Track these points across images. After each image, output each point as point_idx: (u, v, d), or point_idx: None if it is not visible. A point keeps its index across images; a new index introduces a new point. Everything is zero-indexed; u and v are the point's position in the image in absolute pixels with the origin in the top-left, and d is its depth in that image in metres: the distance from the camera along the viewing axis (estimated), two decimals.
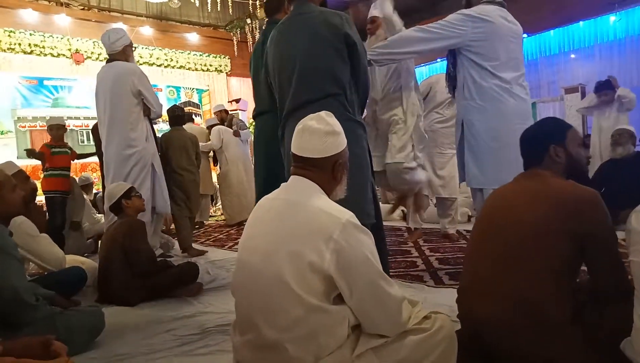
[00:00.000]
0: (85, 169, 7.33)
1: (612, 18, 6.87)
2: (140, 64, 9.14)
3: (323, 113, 1.46)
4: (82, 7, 8.50)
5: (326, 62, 2.06)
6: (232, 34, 9.75)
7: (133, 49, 3.56)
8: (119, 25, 8.63)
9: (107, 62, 3.46)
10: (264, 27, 2.69)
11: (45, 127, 5.59)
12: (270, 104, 2.48)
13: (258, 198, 2.62)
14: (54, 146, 4.46)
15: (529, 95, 2.62)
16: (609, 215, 1.46)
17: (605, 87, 5.31)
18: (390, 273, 2.85)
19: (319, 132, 1.41)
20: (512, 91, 2.46)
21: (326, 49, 2.06)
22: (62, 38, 8.03)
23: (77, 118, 7.51)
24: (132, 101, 3.31)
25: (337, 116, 1.62)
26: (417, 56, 3.18)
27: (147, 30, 9.19)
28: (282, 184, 1.48)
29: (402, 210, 5.56)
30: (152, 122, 3.57)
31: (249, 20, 9.10)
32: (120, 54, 3.37)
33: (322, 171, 1.42)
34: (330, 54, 2.06)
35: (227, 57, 10.23)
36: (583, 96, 7.08)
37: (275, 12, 2.65)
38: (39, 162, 4.77)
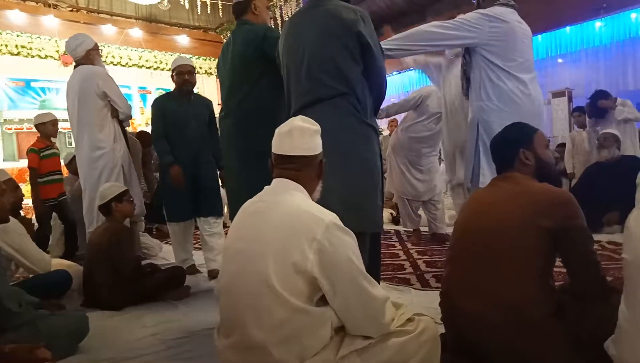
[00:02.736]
0: None
1: (598, 24, 6.97)
2: (130, 66, 9.10)
3: (300, 116, 1.51)
4: (70, 9, 8.44)
5: (335, 59, 1.95)
6: (222, 36, 9.74)
7: (100, 50, 3.60)
8: (108, 27, 8.60)
9: (74, 67, 3.50)
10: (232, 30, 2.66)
11: (32, 129, 5.49)
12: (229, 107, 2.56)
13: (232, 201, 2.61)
14: (43, 149, 4.23)
15: (542, 97, 2.64)
16: (582, 215, 1.51)
17: (597, 114, 5.08)
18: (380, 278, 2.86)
19: (308, 130, 1.45)
20: (528, 92, 2.48)
21: (336, 45, 1.94)
22: (50, 40, 7.96)
23: (65, 120, 7.44)
24: (98, 103, 3.33)
25: (346, 116, 1.59)
26: (432, 51, 3.22)
27: (136, 32, 9.14)
28: (265, 187, 1.48)
29: (391, 213, 5.58)
30: (122, 123, 3.58)
31: None
32: (85, 58, 3.41)
33: (310, 170, 1.46)
34: (340, 51, 1.94)
35: (216, 59, 10.21)
36: (570, 100, 7.17)
37: (242, 13, 2.58)
38: (24, 165, 4.65)
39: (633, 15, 6.71)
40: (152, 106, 3.58)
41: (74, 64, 3.52)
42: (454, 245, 1.77)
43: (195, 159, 3.41)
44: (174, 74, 3.50)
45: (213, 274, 3.31)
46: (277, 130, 1.48)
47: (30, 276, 2.82)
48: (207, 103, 3.69)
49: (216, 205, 3.52)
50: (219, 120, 2.71)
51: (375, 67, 2.01)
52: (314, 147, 1.45)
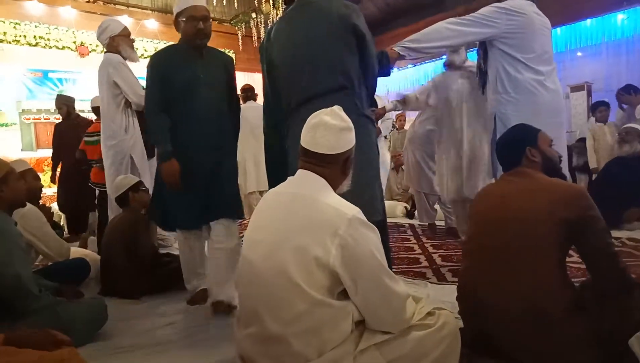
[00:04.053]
0: None
1: (620, 16, 6.80)
2: (145, 58, 9.13)
3: (336, 108, 1.46)
4: (87, 0, 8.49)
5: (334, 54, 1.99)
6: (237, 28, 9.71)
7: (128, 36, 3.40)
8: (124, 17, 8.64)
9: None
10: (278, 17, 2.56)
11: (50, 119, 5.55)
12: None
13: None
14: (88, 135, 4.01)
15: (561, 90, 2.60)
16: (597, 208, 1.52)
17: (623, 102, 5.02)
18: (394, 269, 2.85)
19: (334, 128, 1.41)
20: (546, 84, 2.45)
21: (334, 40, 1.98)
22: (67, 30, 8.02)
23: (82, 111, 7.51)
24: (111, 92, 3.25)
25: (347, 110, 1.59)
26: (450, 49, 3.18)
27: (152, 24, 9.16)
28: (289, 178, 1.47)
29: (405, 207, 5.55)
30: (140, 114, 3.36)
31: (254, 15, 9.05)
32: (109, 46, 3.32)
33: (334, 167, 1.43)
34: (338, 46, 1.98)
35: (231, 51, 10.19)
36: (589, 94, 7.02)
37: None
38: (42, 155, 4.65)
39: None
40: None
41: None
42: (470, 239, 1.77)
43: (209, 145, 2.40)
44: (181, 20, 2.42)
45: (219, 307, 2.37)
46: (307, 119, 1.46)
47: (49, 264, 2.86)
48: (226, 61, 2.61)
49: (233, 204, 2.49)
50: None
51: (370, 57, 2.05)
52: (338, 145, 1.41)
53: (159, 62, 2.45)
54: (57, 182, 5.06)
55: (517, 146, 1.74)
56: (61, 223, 4.94)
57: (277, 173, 2.09)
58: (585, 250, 1.52)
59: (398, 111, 5.01)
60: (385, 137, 8.11)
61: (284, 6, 2.46)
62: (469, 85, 3.47)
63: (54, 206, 5.32)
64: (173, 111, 2.39)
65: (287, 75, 2.12)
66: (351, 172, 1.50)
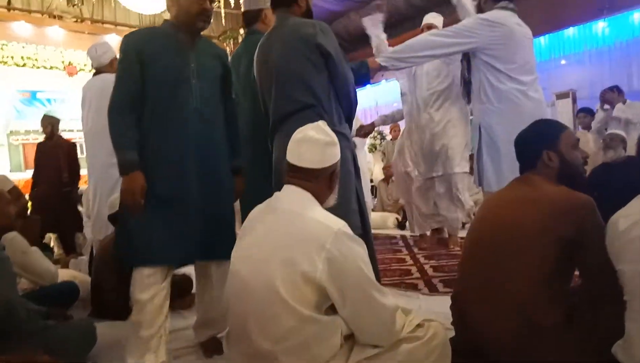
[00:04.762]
0: None
1: (602, 24, 6.94)
2: None
3: (321, 123, 1.49)
4: (75, 20, 8.51)
5: (299, 73, 2.02)
6: (225, 44, 9.78)
7: None
8: (112, 36, 8.66)
9: (93, 75, 3.48)
10: (242, 38, 2.66)
11: (38, 140, 5.53)
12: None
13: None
14: None
15: (544, 99, 2.64)
16: (602, 221, 1.46)
17: (605, 101, 5.12)
18: (385, 282, 2.85)
19: (319, 142, 1.43)
20: (529, 94, 2.49)
21: (299, 60, 2.02)
22: (55, 50, 8.02)
23: (70, 131, 7.49)
24: None
25: None
26: (433, 60, 3.25)
27: None
28: (275, 193, 1.48)
29: (397, 218, 5.56)
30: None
31: (242, 31, 9.14)
32: (108, 66, 3.38)
33: (320, 181, 1.44)
34: (304, 64, 2.02)
35: None
36: (574, 101, 7.13)
37: (252, 22, 2.60)
38: (29, 176, 4.63)
39: (636, 15, 6.68)
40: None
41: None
42: (467, 248, 1.75)
43: (199, 158, 1.90)
44: None
45: (209, 347, 2.09)
46: (292, 135, 1.48)
47: (38, 287, 2.82)
48: (221, 53, 2.14)
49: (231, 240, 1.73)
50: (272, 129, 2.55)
51: (339, 74, 2.06)
52: (323, 159, 1.43)
53: (139, 44, 1.86)
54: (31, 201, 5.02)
55: (533, 147, 1.61)
56: (51, 244, 4.88)
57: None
58: (581, 264, 1.49)
59: (387, 124, 5.06)
60: (375, 148, 8.17)
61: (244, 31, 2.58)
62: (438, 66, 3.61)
63: None
64: (152, 112, 1.85)
65: (264, 94, 2.20)
66: (337, 187, 1.51)
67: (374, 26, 3.28)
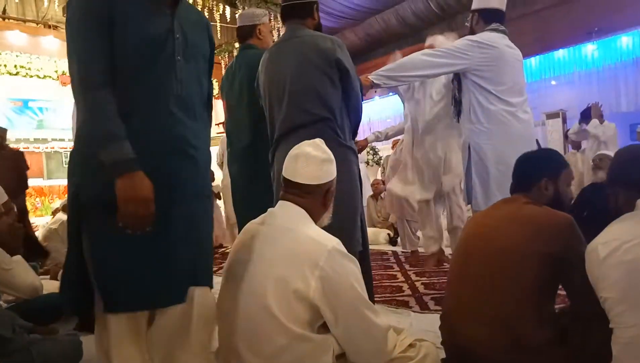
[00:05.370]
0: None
1: (591, 47, 7.10)
2: None
3: (318, 140, 1.49)
4: None
5: (315, 86, 2.03)
6: (220, 57, 9.83)
7: None
8: None
9: None
10: (235, 53, 2.68)
11: (28, 148, 5.53)
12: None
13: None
14: None
15: (533, 120, 2.68)
16: (583, 239, 1.49)
17: (584, 117, 5.42)
18: (376, 299, 2.84)
19: (315, 159, 1.43)
20: (518, 115, 2.51)
21: (316, 73, 2.02)
22: (49, 60, 8.02)
23: (62, 140, 7.46)
24: None
25: (328, 141, 1.66)
26: (424, 79, 3.27)
27: None
28: (269, 209, 1.48)
29: (388, 234, 5.57)
30: None
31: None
32: None
33: (314, 198, 1.44)
34: (320, 78, 2.03)
35: (214, 80, 10.29)
36: (564, 121, 7.25)
37: (247, 37, 2.62)
38: None
39: (624, 39, 6.84)
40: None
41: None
42: (453, 267, 1.76)
43: (187, 154, 1.39)
44: None
45: None
46: (289, 152, 1.48)
47: (22, 300, 2.77)
48: (206, 23, 1.58)
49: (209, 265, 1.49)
50: (230, 145, 2.62)
51: (353, 91, 2.09)
52: (319, 176, 1.43)
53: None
54: None
55: (535, 171, 1.65)
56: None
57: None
58: (566, 283, 1.50)
59: (380, 141, 5.08)
60: (368, 163, 8.17)
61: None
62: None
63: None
64: (118, 99, 1.28)
65: (271, 105, 2.16)
66: (332, 205, 1.51)
67: None
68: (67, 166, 1.51)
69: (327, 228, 1.43)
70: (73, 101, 1.32)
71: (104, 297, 1.33)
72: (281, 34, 2.37)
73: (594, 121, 5.25)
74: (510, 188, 1.74)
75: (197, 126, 1.44)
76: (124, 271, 1.29)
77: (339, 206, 1.97)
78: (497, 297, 1.50)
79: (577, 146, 5.72)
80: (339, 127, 2.05)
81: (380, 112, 9.58)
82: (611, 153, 4.52)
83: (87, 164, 1.31)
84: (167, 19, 1.35)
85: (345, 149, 2.07)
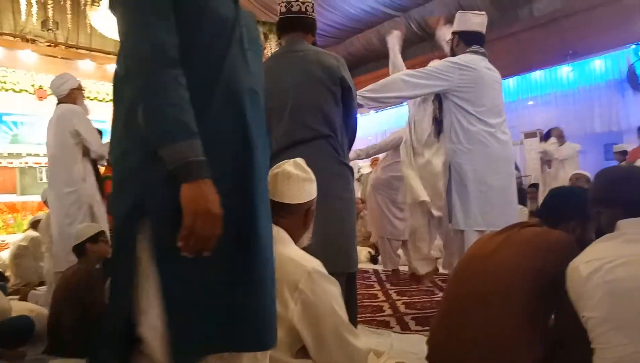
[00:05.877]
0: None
1: (566, 69, 7.29)
2: (107, 101, 9.02)
3: (299, 159, 1.48)
4: (48, 44, 8.40)
5: (320, 102, 2.00)
6: None
7: (82, 90, 3.62)
8: (86, 62, 8.58)
9: (56, 105, 3.54)
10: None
11: (1, 163, 5.36)
12: None
13: None
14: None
15: (512, 140, 2.73)
16: None
17: (545, 137, 5.93)
18: (358, 318, 2.80)
19: (296, 178, 1.41)
20: (497, 135, 2.56)
21: (321, 89, 2.00)
22: (26, 73, 7.87)
23: (37, 155, 7.28)
24: (70, 141, 3.34)
25: (328, 158, 1.63)
26: (403, 101, 3.29)
27: (114, 68, 9.12)
28: None
29: (369, 252, 5.55)
30: (95, 163, 3.55)
31: None
32: (67, 97, 3.45)
33: (294, 218, 1.42)
34: (324, 95, 2.01)
35: None
36: (541, 140, 7.41)
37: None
38: None
39: (597, 62, 7.05)
40: None
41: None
42: (450, 286, 1.77)
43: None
44: None
45: None
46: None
47: None
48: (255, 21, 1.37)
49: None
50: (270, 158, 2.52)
51: (353, 108, 2.09)
52: (299, 195, 1.41)
53: None
54: None
55: (567, 211, 1.63)
56: (6, 274, 4.65)
57: None
58: (559, 303, 1.47)
59: (361, 159, 5.09)
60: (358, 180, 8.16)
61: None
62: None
63: (2, 255, 5.04)
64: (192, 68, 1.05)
65: (269, 118, 2.12)
66: (312, 225, 1.49)
67: (396, 43, 3.34)
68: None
69: (328, 247, 1.40)
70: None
71: (179, 340, 0.99)
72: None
73: (551, 139, 5.76)
74: (540, 214, 1.73)
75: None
76: (208, 307, 1.00)
77: (338, 225, 1.95)
78: (489, 318, 1.49)
79: (550, 165, 5.95)
80: (339, 145, 2.04)
81: (361, 129, 9.59)
82: (586, 172, 4.63)
83: (154, 166, 0.98)
84: (232, 5, 1.15)
85: (346, 168, 2.06)
